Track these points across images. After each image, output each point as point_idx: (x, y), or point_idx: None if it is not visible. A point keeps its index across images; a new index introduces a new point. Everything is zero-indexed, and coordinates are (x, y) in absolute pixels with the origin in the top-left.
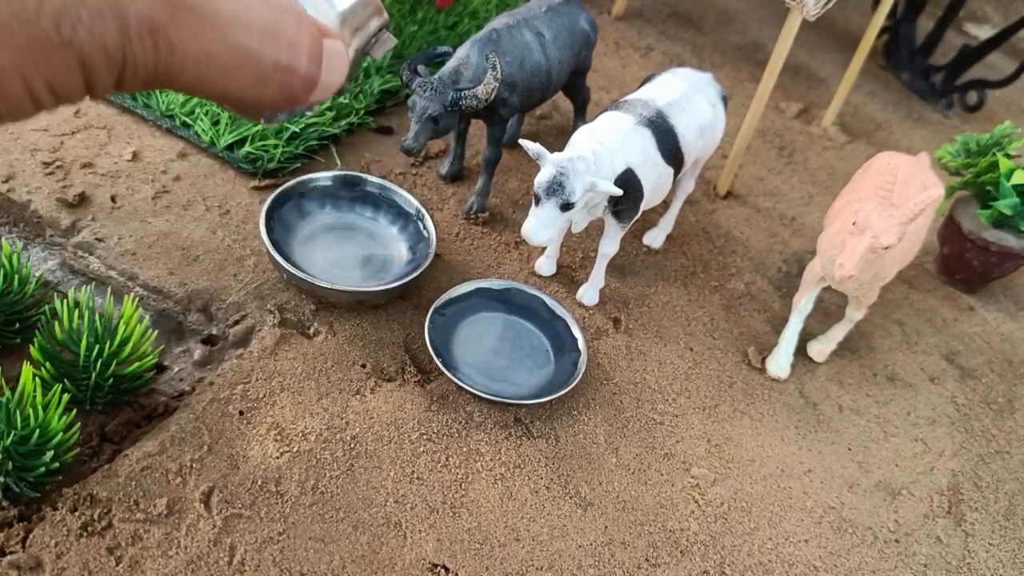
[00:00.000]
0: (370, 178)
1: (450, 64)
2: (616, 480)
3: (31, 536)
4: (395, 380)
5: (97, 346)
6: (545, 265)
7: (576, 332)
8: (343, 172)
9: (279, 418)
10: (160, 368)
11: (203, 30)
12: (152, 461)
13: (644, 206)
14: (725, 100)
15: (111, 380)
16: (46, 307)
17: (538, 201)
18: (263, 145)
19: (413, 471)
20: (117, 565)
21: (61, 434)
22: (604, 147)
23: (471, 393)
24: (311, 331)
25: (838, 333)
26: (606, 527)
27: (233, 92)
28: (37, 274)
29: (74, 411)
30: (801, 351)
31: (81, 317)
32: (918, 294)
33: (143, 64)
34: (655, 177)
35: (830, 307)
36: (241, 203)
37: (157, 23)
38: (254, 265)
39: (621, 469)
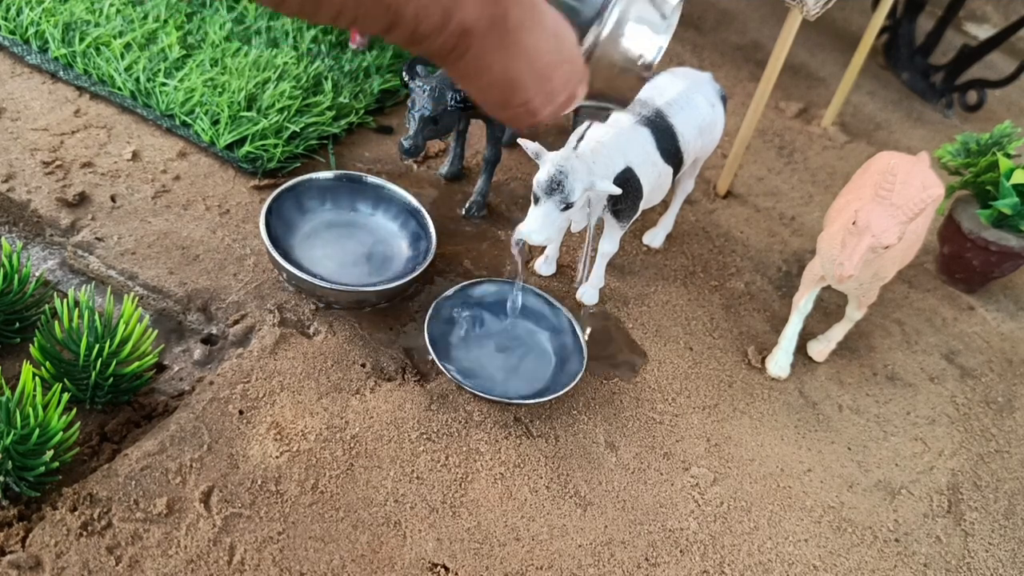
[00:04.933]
0: (370, 177)
1: None
2: (615, 479)
3: (31, 535)
4: (395, 380)
5: (97, 345)
6: (545, 265)
7: (576, 332)
8: (343, 171)
9: (279, 418)
10: (160, 368)
11: (498, 51)
12: (152, 461)
13: (643, 205)
14: (724, 99)
15: (111, 379)
16: (46, 307)
17: (537, 200)
18: (263, 144)
19: (413, 471)
20: (117, 564)
21: (61, 433)
22: (603, 146)
23: (471, 393)
24: (311, 331)
25: (838, 333)
26: (606, 526)
27: (480, 98)
28: (37, 273)
29: (74, 410)
30: (801, 351)
31: (81, 317)
32: (918, 294)
33: (440, 46)
34: (654, 176)
35: (830, 307)
36: (241, 202)
37: (470, 29)
38: (254, 264)
39: (620, 468)
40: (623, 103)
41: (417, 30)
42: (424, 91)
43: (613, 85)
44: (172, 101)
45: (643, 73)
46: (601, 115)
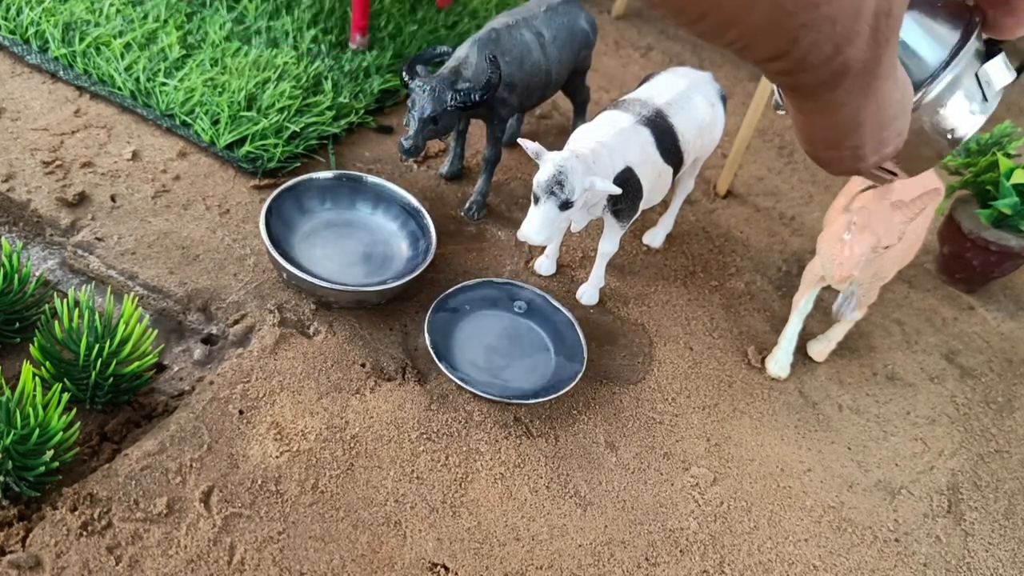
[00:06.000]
0: (370, 177)
1: (449, 64)
2: (615, 479)
3: (31, 535)
4: (395, 379)
5: (97, 345)
6: (545, 264)
7: (576, 331)
8: (343, 171)
9: (279, 417)
10: (160, 367)
11: (858, 93)
12: (152, 460)
13: (643, 205)
14: (724, 99)
15: (111, 379)
16: (46, 306)
17: (537, 200)
18: (263, 144)
19: (413, 470)
20: (117, 564)
21: (61, 433)
22: (603, 146)
23: (471, 392)
24: (311, 330)
25: (838, 333)
26: (606, 526)
27: (812, 133)
28: (37, 273)
29: (74, 410)
30: (801, 350)
31: (81, 316)
32: (918, 293)
33: (813, 78)
34: (654, 176)
35: (830, 307)
36: (241, 202)
37: (849, 68)
38: (254, 264)
39: (620, 468)
40: (909, 172)
41: (805, 60)
42: (424, 91)
43: (909, 152)
44: (172, 101)
45: (945, 148)
46: (884, 179)
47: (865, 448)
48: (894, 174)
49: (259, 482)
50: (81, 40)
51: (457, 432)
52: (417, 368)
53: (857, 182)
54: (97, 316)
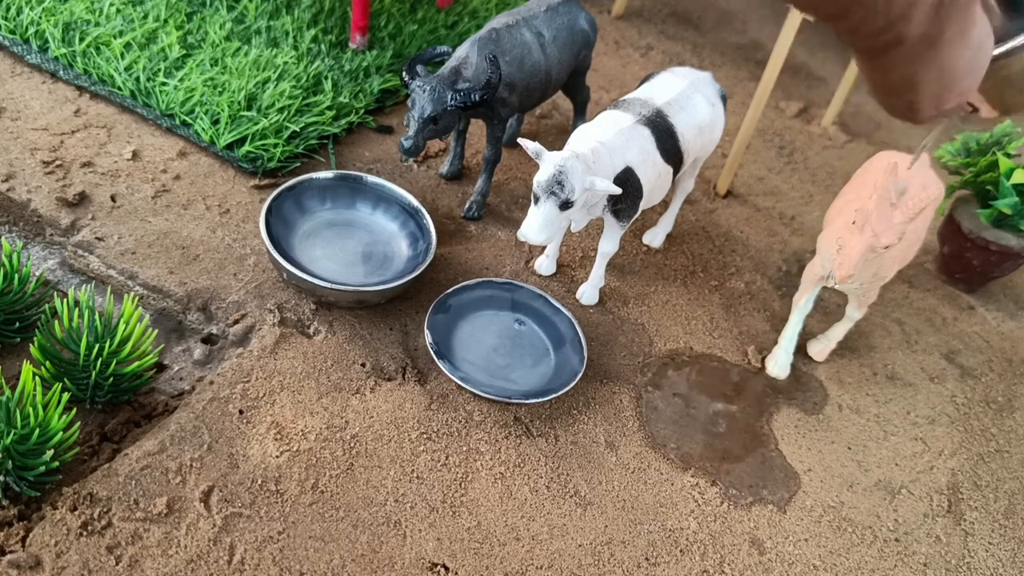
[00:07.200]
0: (370, 177)
1: (449, 64)
2: (615, 479)
3: (31, 535)
4: (395, 379)
5: (97, 345)
6: (545, 264)
7: (576, 331)
8: (343, 171)
9: (279, 417)
10: (160, 367)
11: (917, 60)
12: (152, 460)
13: (643, 205)
14: (724, 99)
15: (111, 379)
16: (46, 306)
17: (537, 200)
18: (263, 144)
19: (413, 470)
20: (117, 564)
21: (61, 433)
22: (603, 146)
23: (471, 392)
24: (311, 330)
25: (838, 332)
26: (606, 526)
27: (873, 80)
28: (37, 273)
29: (74, 410)
30: (801, 350)
31: (81, 316)
32: (918, 293)
33: (870, 44)
34: (654, 176)
35: (830, 307)
36: (241, 202)
37: (905, 38)
38: (254, 264)
39: (620, 468)
40: (1008, 111)
41: (858, 29)
42: (424, 91)
43: (1005, 93)
44: (172, 101)
45: None
46: (964, 110)
47: (865, 448)
48: (976, 109)
49: (259, 482)
50: (81, 40)
51: (457, 432)
52: (417, 368)
53: (857, 183)
54: (97, 316)
